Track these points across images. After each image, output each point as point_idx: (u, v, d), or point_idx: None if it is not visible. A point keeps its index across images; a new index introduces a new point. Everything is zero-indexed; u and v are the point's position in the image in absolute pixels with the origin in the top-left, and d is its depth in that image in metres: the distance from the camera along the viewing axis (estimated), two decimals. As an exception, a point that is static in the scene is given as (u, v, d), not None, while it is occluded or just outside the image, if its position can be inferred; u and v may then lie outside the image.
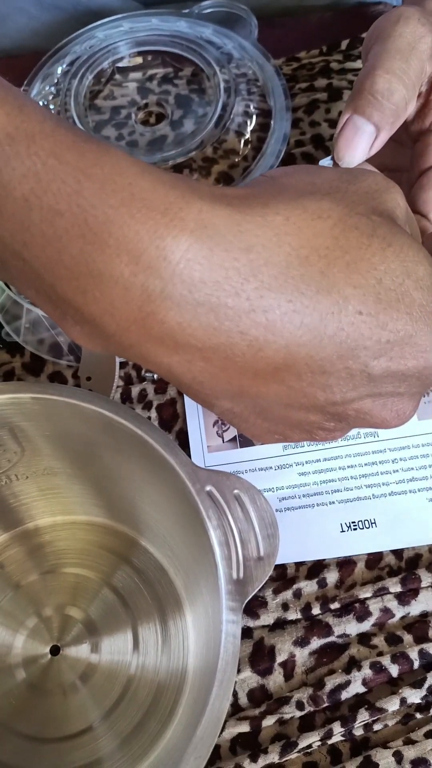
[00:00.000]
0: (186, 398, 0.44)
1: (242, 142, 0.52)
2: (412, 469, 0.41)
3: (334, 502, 0.40)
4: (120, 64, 0.55)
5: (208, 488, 0.30)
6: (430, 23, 0.33)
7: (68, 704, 0.36)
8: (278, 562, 0.35)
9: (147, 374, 0.45)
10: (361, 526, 0.39)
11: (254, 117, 0.52)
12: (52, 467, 0.37)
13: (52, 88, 0.54)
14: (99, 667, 0.37)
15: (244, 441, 0.42)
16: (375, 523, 0.39)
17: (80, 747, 0.35)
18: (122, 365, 0.46)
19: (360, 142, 0.32)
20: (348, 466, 0.41)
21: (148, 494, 0.35)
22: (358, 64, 0.54)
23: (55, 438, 0.35)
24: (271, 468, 0.41)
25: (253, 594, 0.28)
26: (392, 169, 0.39)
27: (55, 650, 0.37)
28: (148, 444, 0.31)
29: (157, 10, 0.56)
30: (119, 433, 0.31)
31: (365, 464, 0.41)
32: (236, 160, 0.51)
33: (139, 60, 0.55)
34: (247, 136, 0.52)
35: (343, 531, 0.39)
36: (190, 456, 0.40)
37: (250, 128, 0.52)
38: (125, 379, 0.46)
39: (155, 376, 0.45)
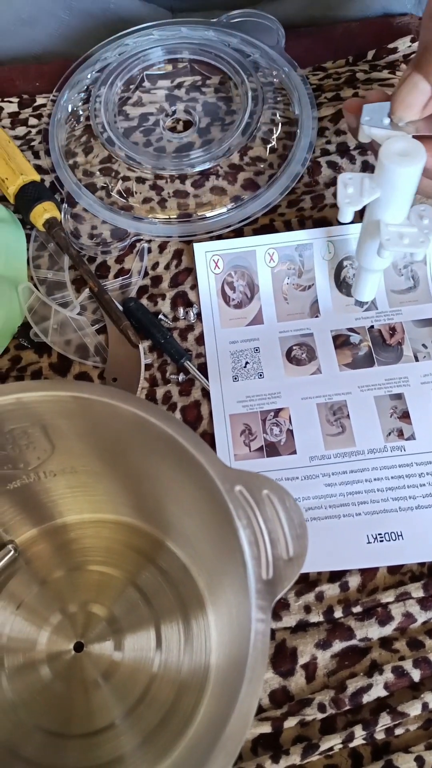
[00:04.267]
0: (214, 407, 0.44)
1: (268, 149, 0.52)
2: (438, 479, 0.41)
3: (360, 514, 0.40)
4: (149, 72, 0.56)
5: (237, 488, 0.30)
6: None
7: (91, 701, 0.37)
8: (303, 570, 0.35)
9: (172, 376, 0.46)
10: (387, 539, 0.39)
11: (280, 125, 0.53)
12: (81, 465, 0.38)
13: (82, 94, 0.55)
14: (122, 665, 0.37)
15: (270, 450, 0.43)
16: (401, 535, 0.39)
17: (103, 744, 0.36)
18: (147, 367, 0.47)
19: (415, 99, 0.33)
20: (374, 479, 0.41)
21: (175, 493, 0.36)
22: (384, 74, 0.55)
23: (85, 436, 0.35)
24: (297, 478, 0.42)
25: (282, 594, 0.28)
26: None
27: (78, 647, 0.38)
28: (179, 443, 0.31)
29: (186, 19, 0.57)
30: (150, 433, 0.31)
31: (392, 477, 0.41)
32: (262, 167, 0.52)
33: (168, 68, 0.56)
34: (273, 143, 0.52)
35: (369, 542, 0.39)
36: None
37: (276, 136, 0.53)
38: (150, 381, 0.46)
39: (180, 378, 0.46)
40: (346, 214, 0.38)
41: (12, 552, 0.40)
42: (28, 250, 0.51)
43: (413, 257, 0.42)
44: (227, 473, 0.30)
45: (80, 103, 0.55)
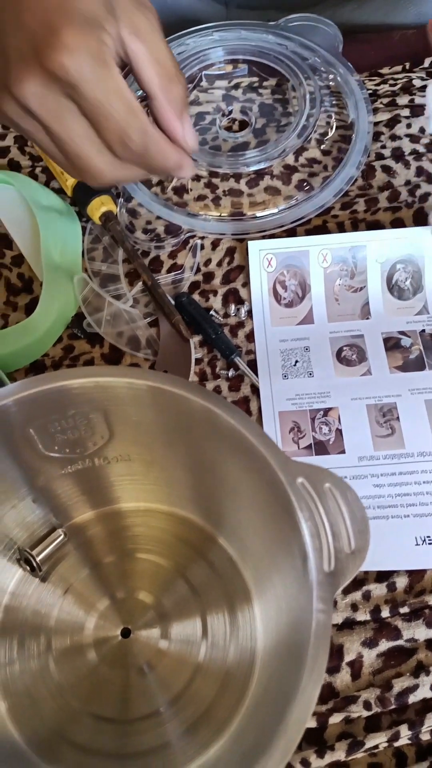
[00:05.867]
0: (263, 403, 0.45)
1: (323, 151, 0.53)
2: None
3: (408, 516, 0.40)
4: (207, 72, 0.56)
5: (299, 480, 0.30)
6: None
7: (136, 687, 0.37)
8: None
9: (221, 372, 0.46)
10: None
11: (335, 128, 0.53)
12: (137, 454, 0.38)
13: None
14: (168, 653, 0.38)
15: (319, 449, 0.43)
16: (450, 538, 0.39)
17: (148, 730, 0.36)
18: (197, 362, 0.47)
19: None
20: (424, 482, 0.41)
21: (232, 487, 0.36)
22: (441, 81, 0.55)
23: (147, 425, 0.36)
24: (345, 477, 0.42)
25: (343, 586, 0.28)
26: None
27: (125, 633, 0.38)
28: (241, 434, 0.32)
29: (246, 21, 0.57)
30: (215, 425, 0.32)
31: None
32: (316, 169, 0.52)
33: (227, 68, 0.57)
34: (328, 146, 0.53)
35: (417, 544, 0.39)
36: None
37: (331, 138, 0.53)
38: (200, 375, 0.47)
39: (230, 373, 0.46)
40: None
41: (62, 536, 0.40)
42: (83, 242, 0.51)
43: None
44: (290, 465, 0.31)
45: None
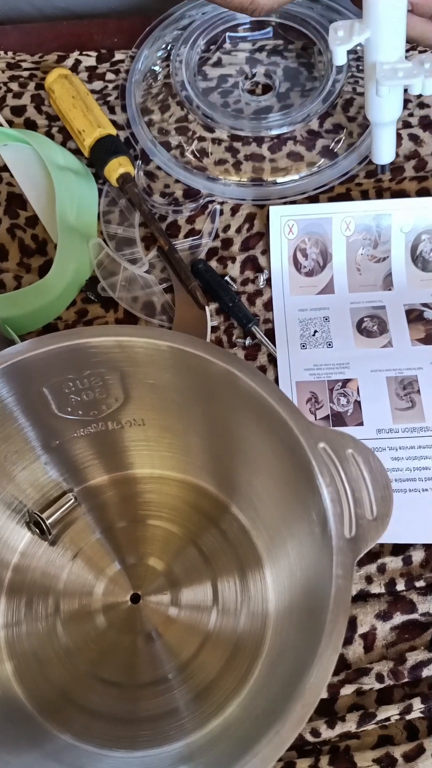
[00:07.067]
0: (280, 373, 0.44)
1: (348, 118, 0.51)
2: None
3: (427, 490, 0.39)
4: (232, 33, 0.55)
5: (321, 445, 0.30)
6: None
7: (145, 653, 0.37)
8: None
9: (238, 340, 0.46)
10: None
11: (363, 95, 0.52)
12: (151, 418, 0.38)
13: (162, 52, 0.54)
14: (177, 620, 0.37)
15: (336, 420, 0.42)
16: (468, 512, 0.39)
17: (155, 696, 0.36)
18: (213, 330, 0.46)
19: None
20: None
21: (248, 453, 0.35)
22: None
23: (159, 388, 0.35)
24: None
25: (365, 552, 0.28)
26: None
27: (135, 599, 0.38)
28: (263, 398, 0.31)
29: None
30: (236, 388, 0.31)
31: None
32: (341, 135, 0.51)
33: (251, 31, 0.55)
34: (354, 112, 0.51)
35: None
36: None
37: (357, 105, 0.51)
38: (216, 344, 0.46)
39: (247, 342, 0.45)
40: (339, 54, 0.41)
41: (72, 500, 0.40)
42: (99, 204, 0.50)
43: (410, 90, 0.42)
44: (312, 430, 0.30)
45: (159, 61, 0.54)
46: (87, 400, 0.36)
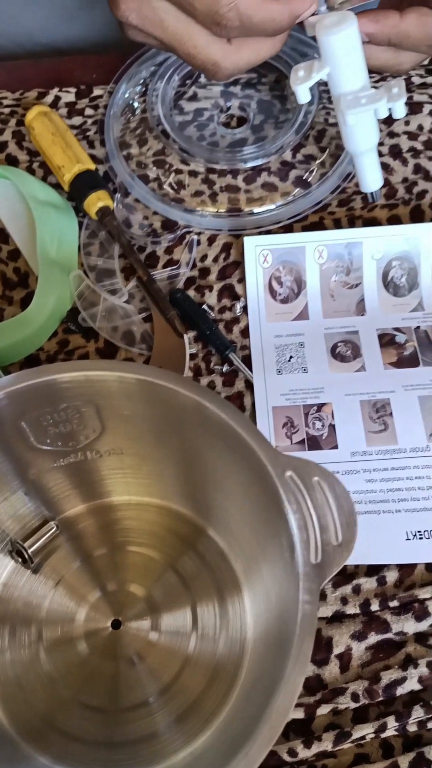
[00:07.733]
0: (257, 399, 0.45)
1: (320, 148, 0.53)
2: None
3: (400, 511, 0.40)
4: (206, 68, 0.56)
5: (288, 473, 0.31)
6: None
7: (126, 678, 0.37)
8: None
9: (216, 367, 0.47)
10: (427, 536, 0.39)
11: (333, 124, 0.53)
12: (128, 447, 0.39)
13: (139, 87, 0.56)
14: (158, 644, 0.38)
15: (312, 444, 0.43)
16: (441, 533, 0.40)
17: (137, 720, 0.36)
18: (192, 357, 0.47)
19: None
20: (416, 477, 0.41)
21: (222, 480, 0.36)
22: (439, 79, 0.55)
23: (137, 419, 0.36)
24: (338, 472, 0.42)
25: (330, 578, 0.29)
26: None
27: (116, 624, 0.38)
28: (231, 428, 0.32)
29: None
30: (205, 418, 0.32)
31: None
32: (314, 165, 0.52)
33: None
34: (326, 142, 0.53)
35: (408, 539, 0.39)
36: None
37: (329, 135, 0.53)
38: (194, 371, 0.47)
39: (224, 369, 0.46)
40: (301, 93, 0.43)
41: (54, 529, 0.41)
42: (79, 237, 0.52)
43: (377, 114, 0.43)
44: (279, 459, 0.31)
45: (137, 96, 0.56)
46: (65, 431, 0.37)
